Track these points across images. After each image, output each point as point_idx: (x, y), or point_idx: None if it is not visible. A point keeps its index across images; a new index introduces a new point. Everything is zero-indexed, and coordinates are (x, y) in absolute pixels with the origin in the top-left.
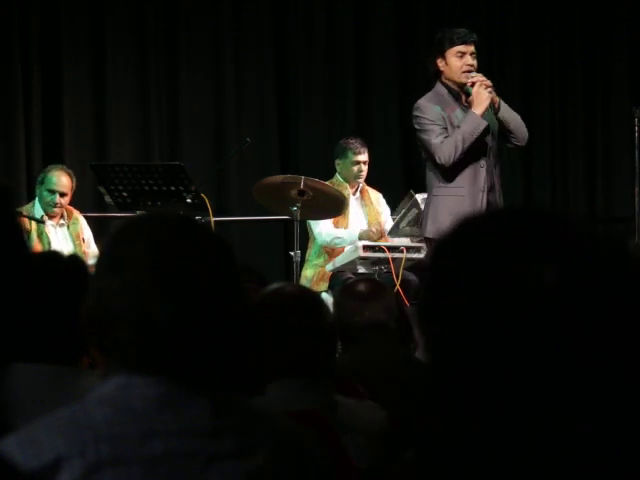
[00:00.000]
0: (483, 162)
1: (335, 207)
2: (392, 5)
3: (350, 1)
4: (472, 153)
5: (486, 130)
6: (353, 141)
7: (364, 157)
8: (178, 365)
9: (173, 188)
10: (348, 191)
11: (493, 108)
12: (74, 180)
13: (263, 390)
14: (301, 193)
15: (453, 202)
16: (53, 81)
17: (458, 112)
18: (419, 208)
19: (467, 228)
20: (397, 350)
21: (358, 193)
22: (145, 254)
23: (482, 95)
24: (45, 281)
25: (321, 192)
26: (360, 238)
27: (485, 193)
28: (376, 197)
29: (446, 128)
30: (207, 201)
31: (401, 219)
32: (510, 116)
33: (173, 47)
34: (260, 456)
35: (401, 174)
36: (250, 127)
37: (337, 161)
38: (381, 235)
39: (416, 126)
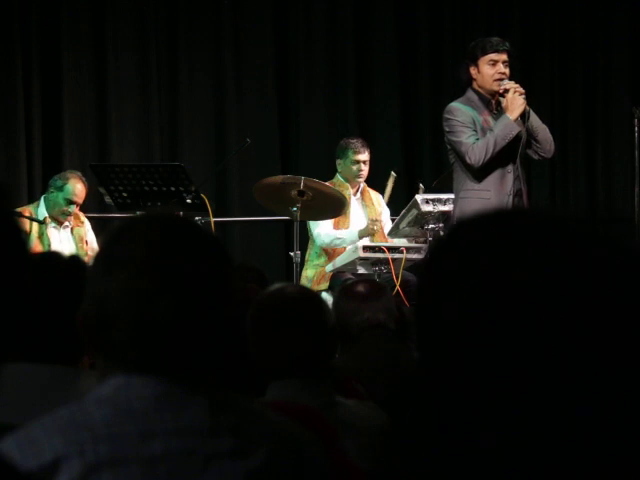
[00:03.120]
0: (511, 167)
1: (335, 208)
2: (392, 5)
3: (350, 1)
4: (501, 158)
5: (516, 136)
6: (354, 140)
7: (364, 156)
8: (176, 365)
9: (173, 189)
10: (349, 191)
11: (524, 116)
12: (87, 187)
13: (263, 390)
14: (301, 193)
15: (479, 205)
16: (53, 81)
17: (489, 119)
18: (419, 209)
19: (464, 228)
20: (397, 350)
21: (359, 194)
22: (142, 254)
23: (517, 101)
24: (45, 281)
25: (321, 192)
26: (360, 236)
27: (511, 197)
28: (377, 198)
29: (476, 131)
30: (207, 202)
31: (401, 219)
32: (539, 126)
33: (173, 47)
34: (259, 455)
35: (401, 174)
36: (250, 127)
37: (338, 161)
38: (381, 228)
39: (446, 128)
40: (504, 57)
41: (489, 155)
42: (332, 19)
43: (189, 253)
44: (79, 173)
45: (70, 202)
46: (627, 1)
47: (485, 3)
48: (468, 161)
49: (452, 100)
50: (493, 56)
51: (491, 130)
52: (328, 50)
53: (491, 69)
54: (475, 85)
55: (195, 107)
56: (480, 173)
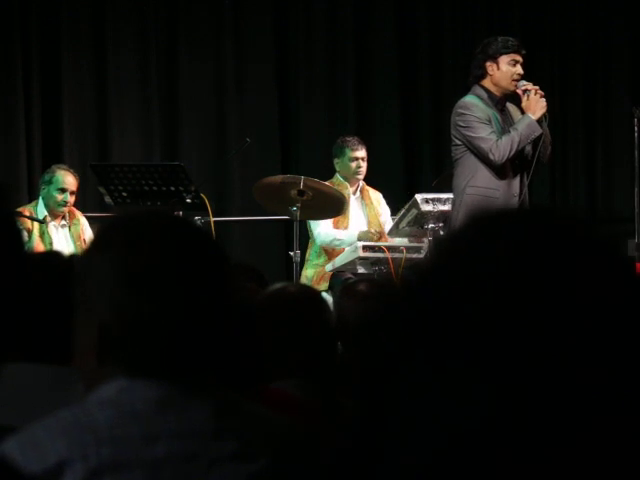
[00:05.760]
0: (519, 168)
1: (335, 207)
2: (392, 5)
3: (350, 1)
4: (517, 159)
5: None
6: (350, 138)
7: (362, 153)
8: (179, 367)
9: (173, 188)
10: (348, 190)
11: (540, 120)
12: (78, 179)
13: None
14: (301, 193)
15: (487, 203)
16: (53, 81)
17: (499, 117)
18: (418, 208)
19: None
20: None
21: (358, 193)
22: (143, 256)
23: (540, 103)
24: (45, 281)
25: (321, 192)
26: (359, 239)
27: (517, 199)
28: (376, 197)
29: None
30: (207, 201)
31: (401, 219)
32: (548, 131)
33: (173, 47)
34: (262, 458)
35: (402, 173)
36: (250, 127)
37: (336, 160)
38: (380, 236)
39: (460, 123)
40: (521, 60)
41: (512, 152)
42: (332, 19)
43: (188, 254)
44: (65, 166)
45: (62, 190)
46: (627, 1)
47: (485, 3)
48: (491, 157)
49: (452, 100)
50: (515, 56)
51: (515, 129)
52: (328, 50)
53: (512, 68)
54: (488, 82)
55: (195, 107)
56: (498, 171)
